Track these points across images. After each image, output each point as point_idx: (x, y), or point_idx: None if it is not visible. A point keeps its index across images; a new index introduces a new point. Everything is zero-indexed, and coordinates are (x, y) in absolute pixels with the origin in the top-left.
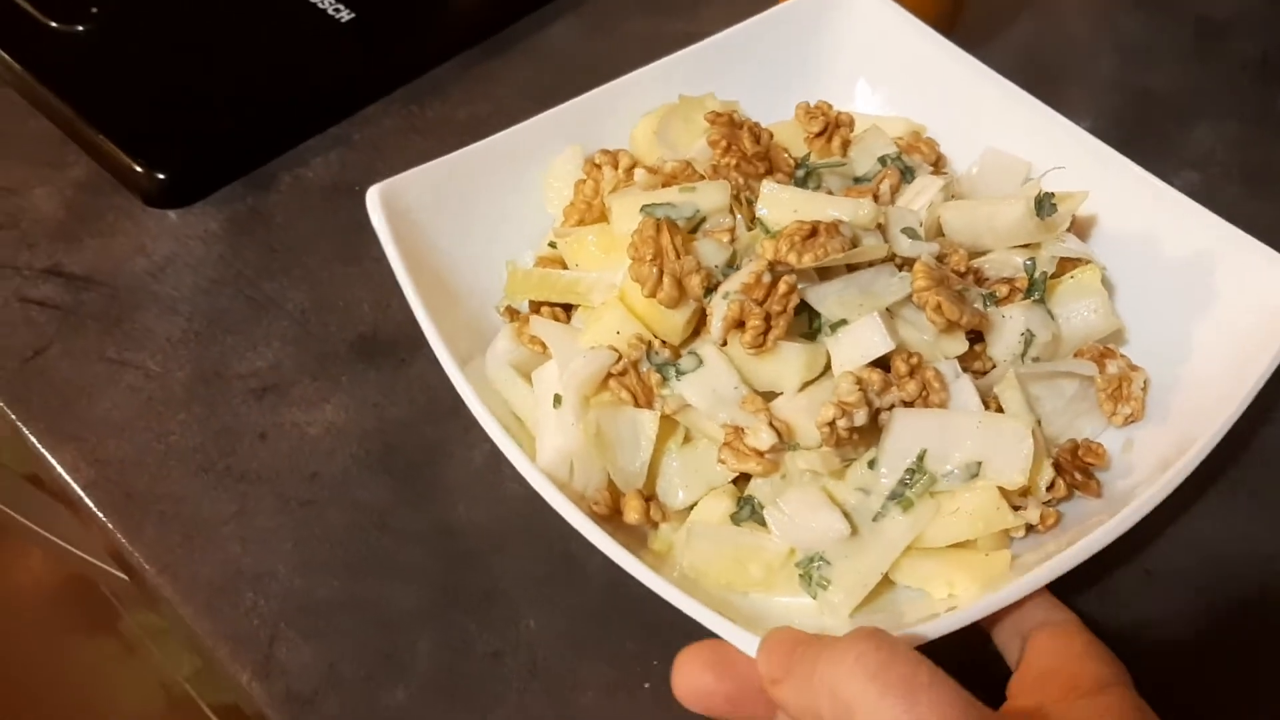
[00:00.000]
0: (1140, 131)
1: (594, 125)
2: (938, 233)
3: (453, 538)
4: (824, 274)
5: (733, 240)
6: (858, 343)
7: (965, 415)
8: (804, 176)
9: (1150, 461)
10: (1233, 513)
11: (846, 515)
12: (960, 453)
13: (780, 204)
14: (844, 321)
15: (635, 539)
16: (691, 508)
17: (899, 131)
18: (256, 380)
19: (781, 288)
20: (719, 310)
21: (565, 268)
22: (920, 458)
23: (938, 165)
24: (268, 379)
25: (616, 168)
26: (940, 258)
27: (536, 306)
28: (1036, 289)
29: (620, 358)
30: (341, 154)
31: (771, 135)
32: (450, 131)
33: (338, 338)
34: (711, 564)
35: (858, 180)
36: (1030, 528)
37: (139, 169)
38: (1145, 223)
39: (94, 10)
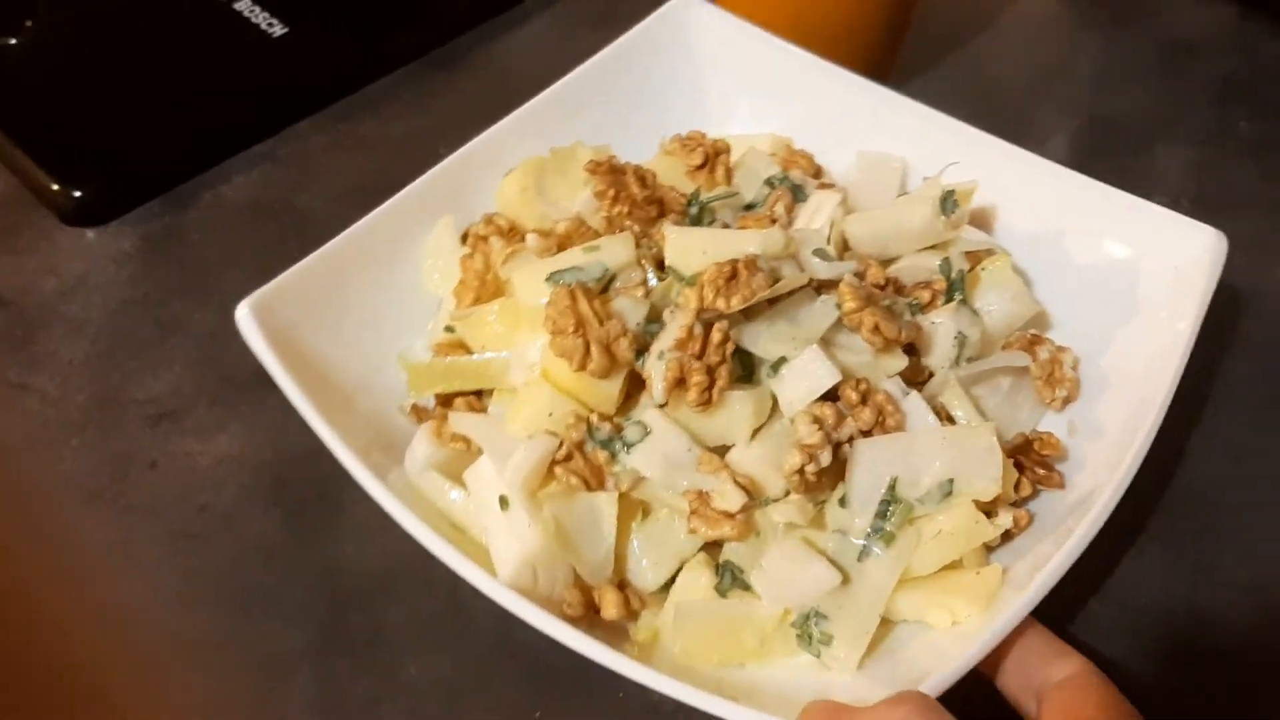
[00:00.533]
0: (1095, 155)
1: (462, 192)
2: (844, 248)
3: (339, 577)
4: (747, 313)
5: (647, 294)
6: (803, 378)
7: (928, 434)
8: (698, 214)
9: (1099, 442)
10: (1147, 560)
11: (831, 562)
12: (930, 474)
13: (688, 247)
14: (783, 359)
15: (615, 632)
16: (667, 585)
17: (768, 148)
18: (154, 406)
19: (716, 337)
20: (657, 372)
21: (468, 351)
22: (891, 487)
23: (817, 176)
24: (165, 405)
25: (503, 236)
26: (858, 274)
27: (446, 399)
28: (957, 289)
29: (561, 442)
30: (266, 171)
31: (655, 175)
32: (383, 149)
33: (241, 363)
34: (704, 643)
35: (748, 208)
36: (1007, 534)
37: (55, 186)
38: (1041, 204)
39: (28, 24)
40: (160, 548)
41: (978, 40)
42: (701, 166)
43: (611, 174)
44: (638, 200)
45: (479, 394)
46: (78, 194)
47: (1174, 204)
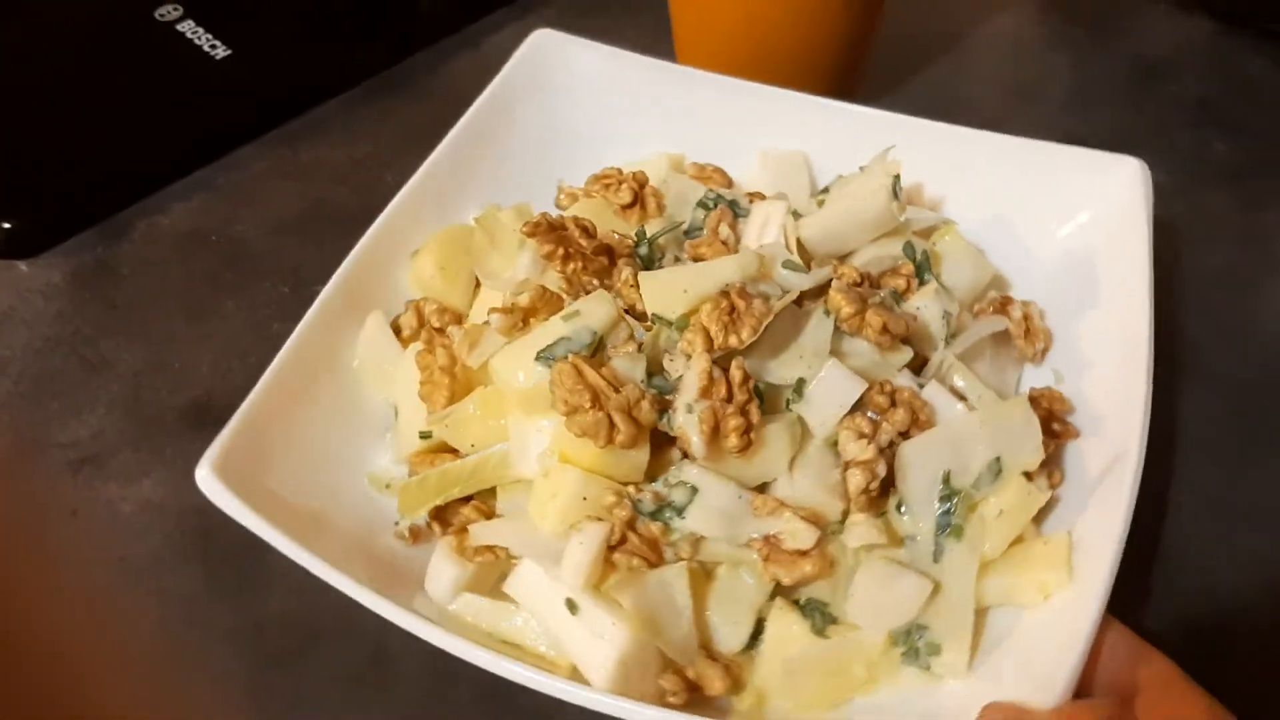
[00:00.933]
0: None
1: (379, 283)
2: (802, 253)
3: (263, 634)
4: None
5: (639, 348)
6: (831, 395)
7: (965, 420)
8: (648, 253)
9: (1092, 382)
10: None
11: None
12: (977, 458)
13: (667, 291)
14: (801, 381)
15: (714, 706)
16: (752, 642)
17: (667, 168)
18: (76, 451)
19: (737, 375)
20: (691, 426)
21: (454, 454)
22: (946, 480)
23: (730, 187)
24: (88, 449)
25: (454, 322)
26: (836, 278)
27: (440, 512)
28: (924, 270)
29: (612, 526)
30: (204, 200)
31: (595, 224)
32: (326, 175)
33: (168, 404)
34: (816, 689)
35: (688, 234)
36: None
37: None
38: (964, 169)
39: None
40: (78, 605)
41: (947, 60)
42: (633, 204)
43: (553, 231)
44: (587, 252)
45: (468, 499)
46: (7, 225)
47: None
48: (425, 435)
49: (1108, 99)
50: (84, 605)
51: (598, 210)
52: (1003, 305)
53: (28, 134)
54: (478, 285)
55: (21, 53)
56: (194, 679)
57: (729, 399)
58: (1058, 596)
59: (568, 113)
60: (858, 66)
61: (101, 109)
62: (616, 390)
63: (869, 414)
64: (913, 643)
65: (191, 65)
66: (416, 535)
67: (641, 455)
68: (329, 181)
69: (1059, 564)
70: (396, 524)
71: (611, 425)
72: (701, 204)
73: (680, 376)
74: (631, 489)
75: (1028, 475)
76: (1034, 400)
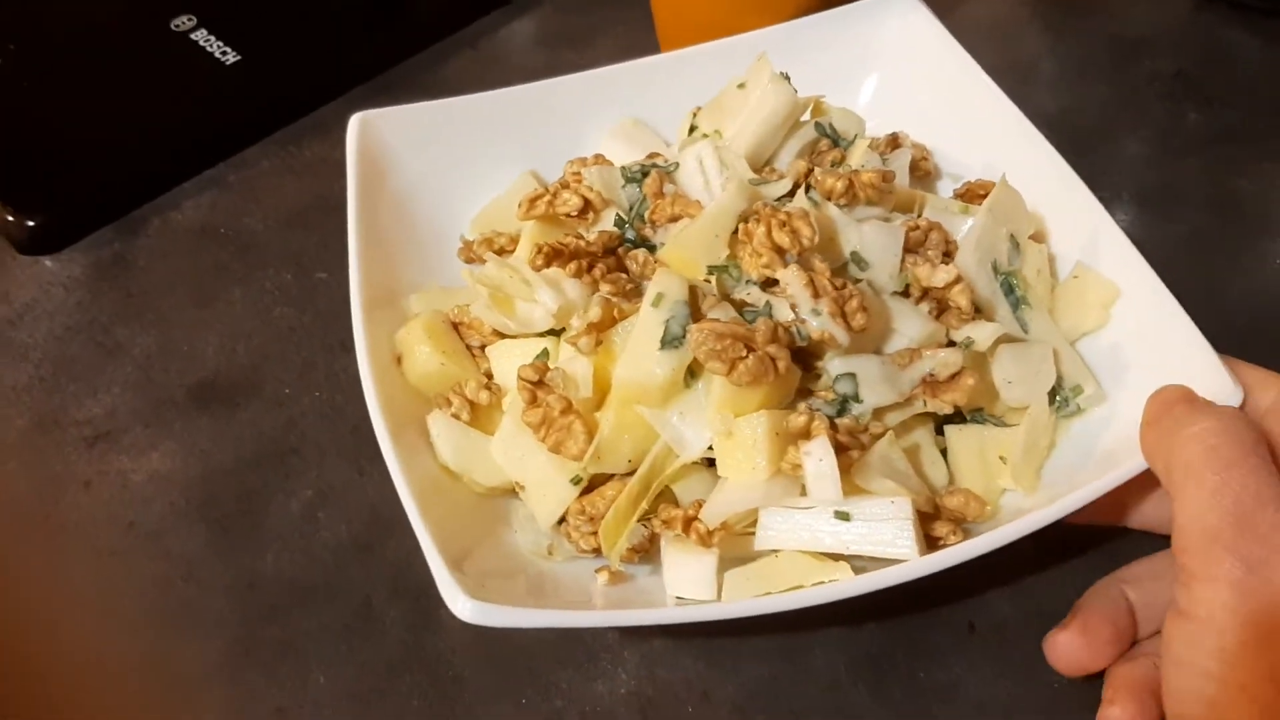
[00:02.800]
0: None
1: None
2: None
3: (256, 590)
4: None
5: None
6: (884, 250)
7: (978, 220)
8: (635, 236)
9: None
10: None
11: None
12: (1001, 241)
13: (698, 247)
14: (855, 253)
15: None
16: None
17: (533, 184)
18: (91, 428)
19: (823, 268)
20: (828, 324)
21: (596, 492)
22: (995, 269)
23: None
24: (102, 426)
25: (490, 387)
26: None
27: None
28: (838, 139)
29: (846, 447)
30: (214, 197)
31: (590, 237)
32: (327, 171)
33: (177, 384)
34: (1028, 467)
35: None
36: None
37: (10, 217)
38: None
39: None
40: (86, 566)
41: None
42: (585, 208)
43: (561, 253)
44: (599, 255)
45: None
46: (32, 223)
47: (1116, 199)
48: (577, 480)
49: (1087, 76)
50: (94, 564)
51: (550, 229)
52: (893, 141)
53: (51, 138)
54: (469, 348)
55: (45, 62)
56: (193, 630)
57: (837, 289)
58: (1118, 312)
59: (428, 175)
60: None
61: (120, 113)
62: (750, 332)
63: (917, 251)
64: (1061, 396)
65: (203, 71)
66: (618, 577)
67: (795, 376)
68: (331, 177)
69: (1099, 284)
70: (600, 571)
71: (772, 360)
72: (630, 179)
73: (767, 301)
74: (814, 402)
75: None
76: (971, 187)
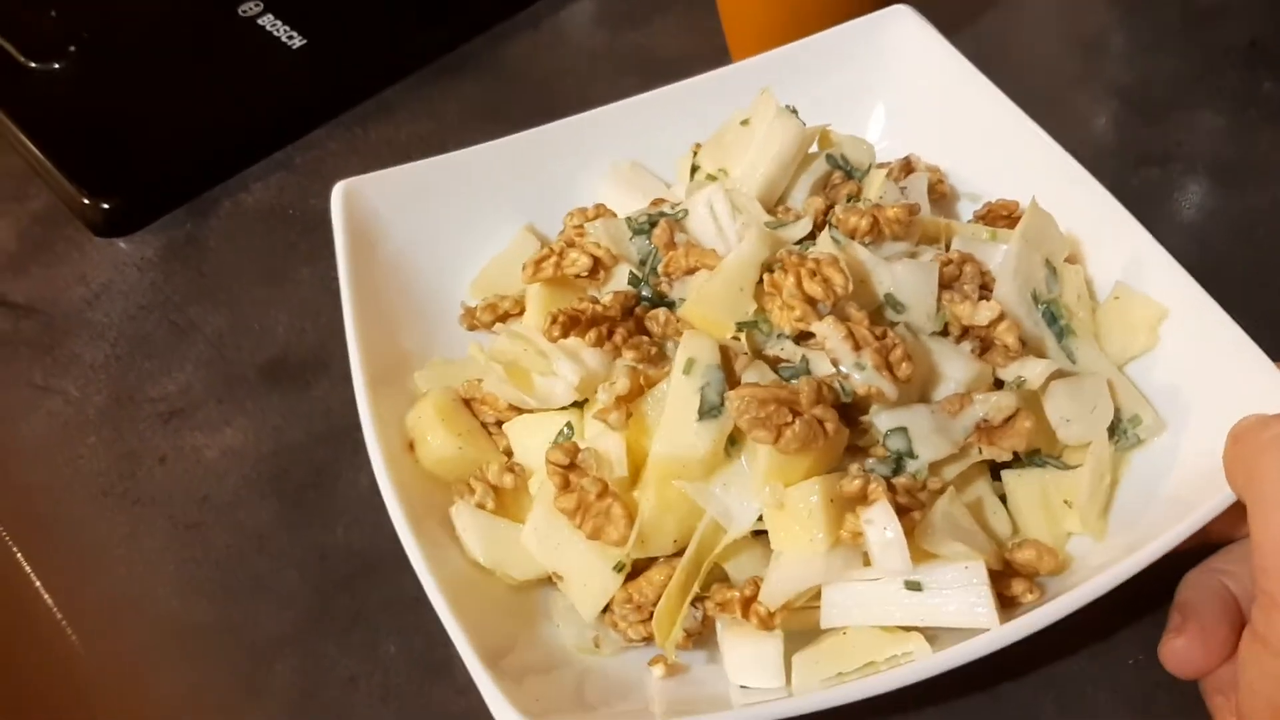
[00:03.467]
0: (1116, 124)
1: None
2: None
3: (328, 561)
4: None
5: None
6: (919, 289)
7: (1013, 246)
8: (651, 294)
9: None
10: None
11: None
12: (1036, 268)
13: (724, 301)
14: (889, 294)
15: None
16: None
17: (533, 242)
18: (165, 404)
19: (861, 317)
20: (873, 378)
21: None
22: (1035, 299)
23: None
24: (176, 403)
25: (514, 470)
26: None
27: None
28: (853, 171)
29: (908, 509)
30: (282, 178)
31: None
32: (390, 152)
33: (248, 361)
34: (1094, 509)
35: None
36: None
37: (86, 200)
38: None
39: (71, 49)
40: (162, 538)
41: (997, 12)
42: (595, 268)
43: (577, 321)
44: (618, 318)
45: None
46: (106, 206)
47: (1191, 172)
48: (620, 567)
49: (1160, 47)
50: (171, 536)
51: (558, 292)
52: (907, 165)
53: (124, 123)
54: (484, 425)
55: (117, 49)
56: (266, 600)
57: (881, 338)
58: (1166, 332)
59: (420, 239)
60: None
61: (190, 98)
62: (794, 394)
63: (953, 286)
64: (1120, 429)
65: (270, 55)
66: (674, 669)
67: (844, 437)
68: (395, 157)
69: (1144, 303)
70: (654, 663)
71: (820, 423)
72: (637, 231)
73: (804, 356)
74: (867, 463)
75: (1070, 260)
76: (992, 209)
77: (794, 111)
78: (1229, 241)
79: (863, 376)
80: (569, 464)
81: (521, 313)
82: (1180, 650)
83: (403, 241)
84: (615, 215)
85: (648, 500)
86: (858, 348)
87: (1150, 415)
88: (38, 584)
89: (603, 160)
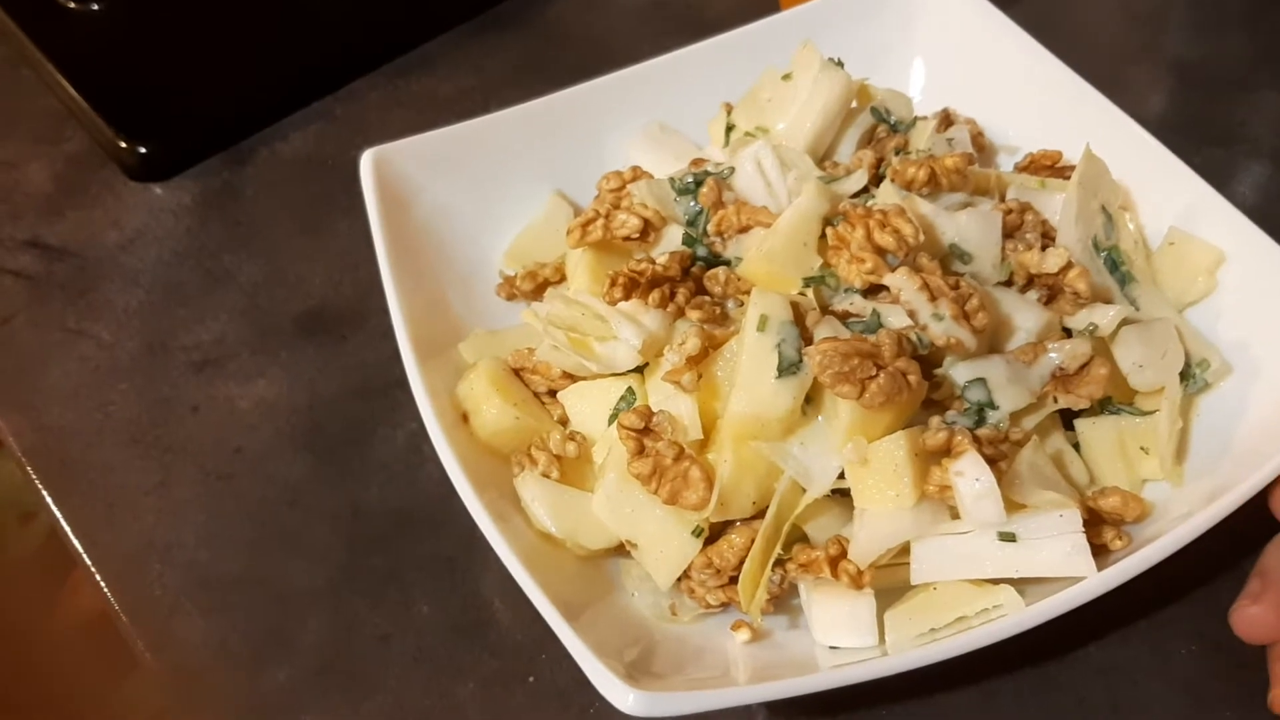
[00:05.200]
0: (1179, 102)
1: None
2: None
3: (361, 518)
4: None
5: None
6: (985, 238)
7: (1070, 194)
8: (708, 253)
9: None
10: None
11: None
12: (1095, 214)
13: (789, 258)
14: (953, 245)
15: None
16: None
17: (565, 207)
18: (199, 353)
19: (934, 267)
20: (952, 329)
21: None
22: (1095, 245)
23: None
24: (210, 352)
25: (575, 438)
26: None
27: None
28: (899, 124)
29: (996, 461)
30: (321, 128)
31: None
32: (431, 105)
33: (283, 312)
34: (1166, 453)
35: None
36: None
37: (122, 143)
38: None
39: None
40: (193, 488)
41: None
42: (644, 231)
43: (638, 282)
44: (678, 278)
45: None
46: (143, 150)
47: (1256, 153)
48: (699, 532)
49: (1225, 25)
50: (202, 486)
51: (608, 255)
52: (946, 118)
53: (163, 68)
54: (537, 395)
55: (175, 3)
56: (299, 555)
57: (956, 287)
58: (1224, 276)
59: (451, 208)
60: None
61: (230, 44)
62: (874, 348)
63: (1014, 235)
64: (1190, 374)
65: (313, 4)
66: (758, 633)
67: (923, 390)
68: (436, 110)
69: (1200, 248)
70: (736, 628)
71: (904, 375)
72: (682, 190)
73: (874, 310)
74: (947, 415)
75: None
76: (1034, 159)
77: (840, 64)
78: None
79: (941, 327)
80: (643, 428)
81: (562, 280)
82: (1255, 617)
83: (435, 209)
84: (653, 177)
85: (725, 462)
86: (933, 298)
87: (1217, 358)
88: (66, 527)
89: (630, 123)
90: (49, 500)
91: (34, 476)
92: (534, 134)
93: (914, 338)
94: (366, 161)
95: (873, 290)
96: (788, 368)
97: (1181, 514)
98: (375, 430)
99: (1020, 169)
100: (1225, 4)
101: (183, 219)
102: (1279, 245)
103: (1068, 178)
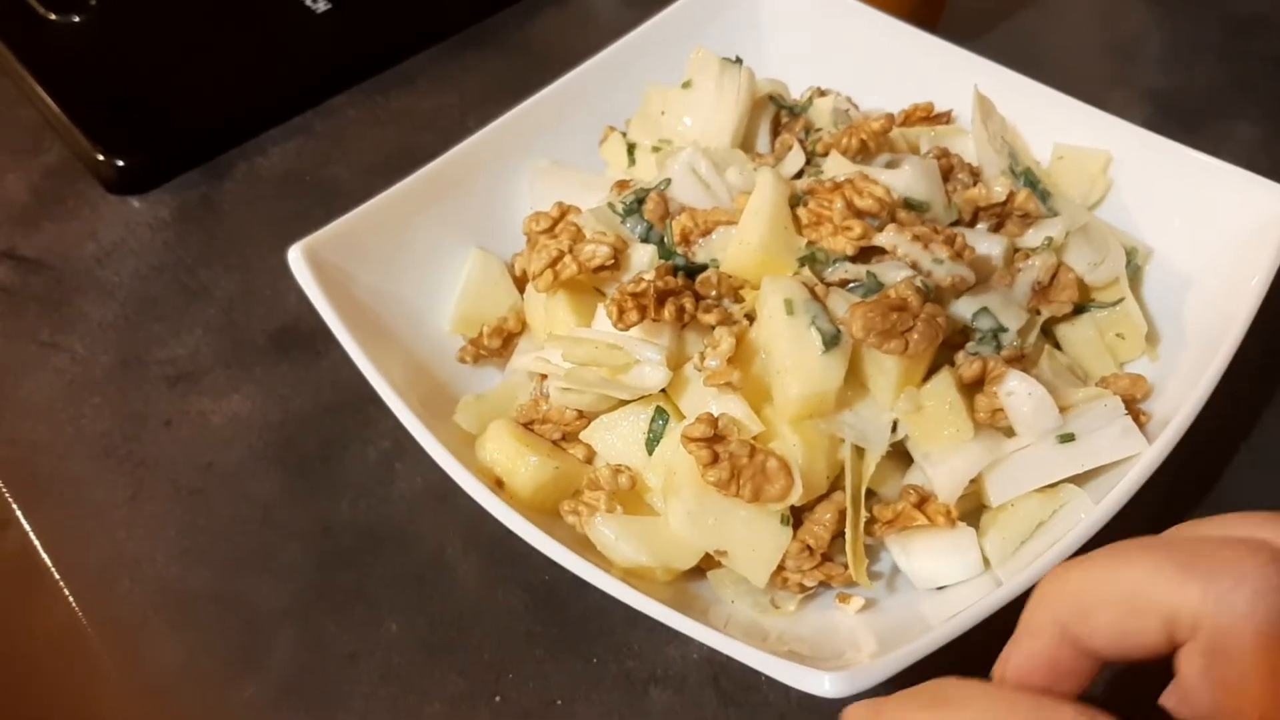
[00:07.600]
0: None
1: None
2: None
3: (332, 536)
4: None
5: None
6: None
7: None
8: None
9: None
10: None
11: None
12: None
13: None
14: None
15: None
16: None
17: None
18: (173, 367)
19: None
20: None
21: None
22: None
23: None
24: (184, 366)
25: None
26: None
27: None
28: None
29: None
30: (300, 144)
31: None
32: (412, 122)
33: (258, 328)
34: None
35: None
36: None
37: (100, 156)
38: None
39: (91, 2)
40: (164, 503)
41: (1033, 11)
42: (614, 259)
43: (645, 304)
44: (678, 288)
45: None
46: (121, 163)
47: None
48: (785, 520)
49: (1197, 55)
50: (173, 501)
51: (579, 291)
52: (821, 95)
53: (142, 81)
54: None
55: (139, 6)
56: (268, 571)
57: (937, 234)
58: (1115, 173)
59: (384, 288)
60: (939, 16)
61: (211, 58)
62: (900, 302)
63: (949, 178)
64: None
65: (294, 19)
66: (869, 602)
67: (948, 327)
68: (415, 128)
69: (1088, 155)
70: (843, 601)
71: (934, 319)
72: (628, 211)
73: (868, 272)
74: (968, 347)
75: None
76: (910, 113)
77: (739, 61)
78: None
79: (944, 269)
80: (713, 435)
81: (524, 329)
82: None
83: (372, 294)
84: (579, 209)
85: (794, 445)
86: (926, 246)
87: (1139, 244)
88: (36, 542)
89: (522, 166)
90: (19, 513)
91: (3, 489)
92: (435, 198)
93: (919, 284)
94: (295, 257)
95: (861, 256)
96: (830, 341)
97: (1180, 383)
98: (348, 447)
99: (900, 125)
100: (1199, 34)
101: (160, 233)
102: (1153, 132)
103: (946, 123)
